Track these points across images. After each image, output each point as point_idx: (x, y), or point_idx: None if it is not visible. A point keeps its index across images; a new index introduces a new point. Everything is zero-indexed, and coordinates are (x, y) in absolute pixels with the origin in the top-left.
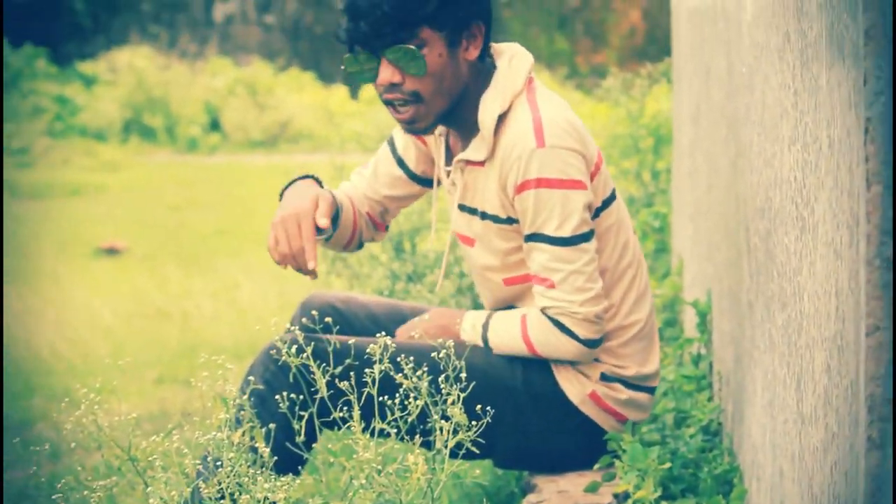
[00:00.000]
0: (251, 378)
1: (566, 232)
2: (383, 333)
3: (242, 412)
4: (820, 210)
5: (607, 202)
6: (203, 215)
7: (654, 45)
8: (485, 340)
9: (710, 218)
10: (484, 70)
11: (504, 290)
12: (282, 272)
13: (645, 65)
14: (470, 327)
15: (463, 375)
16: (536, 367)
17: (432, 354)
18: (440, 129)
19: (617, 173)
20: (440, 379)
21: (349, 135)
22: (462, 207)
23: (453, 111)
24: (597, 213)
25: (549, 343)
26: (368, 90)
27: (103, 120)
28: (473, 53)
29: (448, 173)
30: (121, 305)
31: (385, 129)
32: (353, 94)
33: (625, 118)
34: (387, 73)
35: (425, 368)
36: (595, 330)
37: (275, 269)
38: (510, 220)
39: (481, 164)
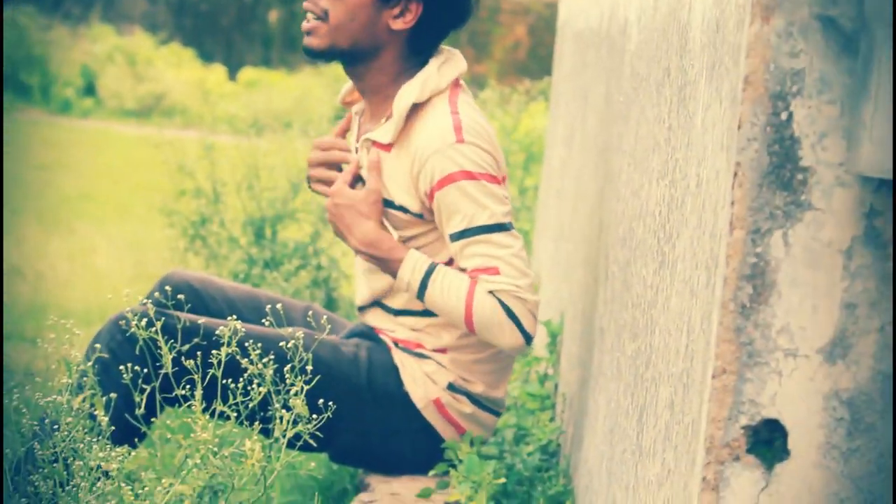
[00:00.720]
0: (97, 346)
1: (500, 218)
2: (235, 317)
3: (85, 378)
4: (681, 247)
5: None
6: (69, 178)
7: (536, 62)
8: (423, 285)
9: (572, 241)
10: (413, 61)
11: (383, 280)
12: (140, 243)
13: (524, 81)
14: (411, 267)
15: (309, 368)
16: (383, 367)
17: (280, 343)
18: (357, 106)
19: None
20: (286, 368)
21: (222, 115)
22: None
23: (362, 70)
24: None
25: (492, 323)
26: (246, 73)
27: None
28: (398, 24)
29: (356, 150)
30: None
31: (259, 114)
32: None
33: (499, 132)
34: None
35: (272, 356)
36: (533, 325)
37: (133, 240)
38: (408, 211)
39: (388, 147)
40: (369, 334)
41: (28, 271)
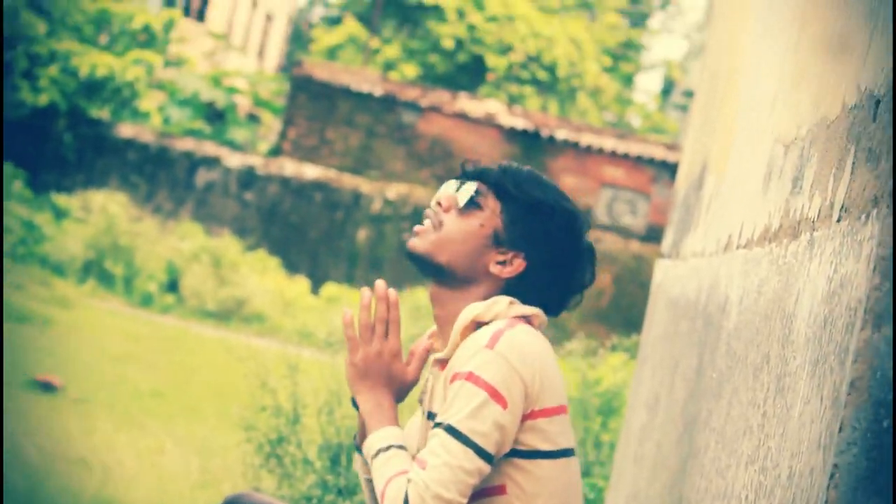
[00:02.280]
0: None
1: (463, 429)
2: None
3: None
4: None
5: (549, 454)
6: (143, 372)
7: (618, 311)
8: (377, 453)
9: None
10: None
11: None
12: (208, 448)
13: (609, 333)
14: (378, 439)
15: None
16: None
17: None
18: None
19: None
20: None
21: (301, 328)
22: (429, 415)
23: (445, 297)
24: (525, 454)
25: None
26: (329, 288)
27: (66, 255)
28: (497, 269)
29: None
30: (46, 444)
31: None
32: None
33: (580, 383)
34: (444, 194)
35: None
36: None
37: (202, 444)
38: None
39: (444, 364)
40: None
41: (95, 464)
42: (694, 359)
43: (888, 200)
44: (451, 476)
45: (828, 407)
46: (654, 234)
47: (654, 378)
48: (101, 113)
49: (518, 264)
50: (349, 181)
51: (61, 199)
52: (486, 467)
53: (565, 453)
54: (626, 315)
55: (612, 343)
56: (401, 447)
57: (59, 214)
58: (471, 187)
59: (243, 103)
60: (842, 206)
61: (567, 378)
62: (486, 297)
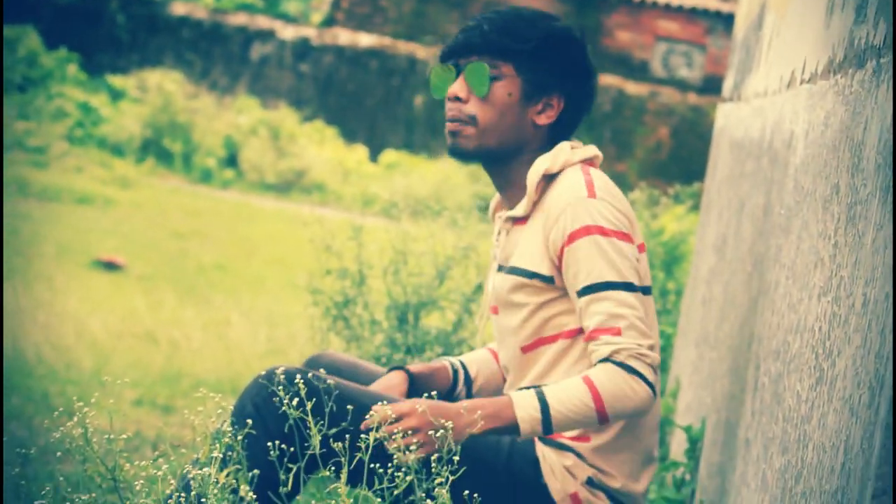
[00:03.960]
0: (249, 420)
1: (628, 277)
2: (385, 402)
3: (231, 453)
4: (841, 365)
5: (646, 290)
6: (205, 247)
7: (677, 164)
8: (544, 411)
9: (717, 349)
10: (548, 148)
11: (521, 358)
12: (273, 317)
13: (670, 184)
14: (522, 406)
15: (456, 458)
16: (524, 456)
17: (429, 432)
18: (492, 205)
19: None
20: (433, 458)
21: (362, 195)
22: (500, 268)
23: (504, 167)
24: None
25: (622, 392)
26: (388, 155)
27: (124, 135)
28: (543, 119)
29: (497, 235)
30: (111, 321)
31: (398, 197)
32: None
33: (643, 232)
34: (457, 86)
35: (416, 441)
36: (656, 379)
37: (267, 314)
38: (540, 277)
39: (524, 221)
40: None
41: (162, 338)
42: (761, 197)
43: None
44: (643, 325)
45: None
46: (710, 86)
47: (721, 221)
48: None
49: (558, 104)
50: (404, 47)
51: (117, 80)
52: (647, 299)
53: (649, 290)
54: (685, 167)
55: (674, 192)
56: (539, 387)
57: (116, 95)
58: (480, 69)
59: None
60: None
61: None
62: (539, 148)
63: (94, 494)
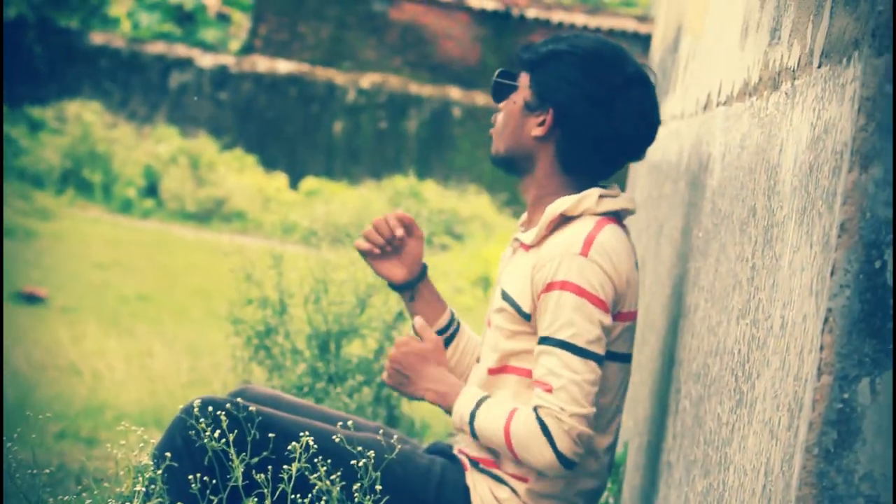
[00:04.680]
0: (167, 454)
1: (580, 341)
2: (306, 433)
3: (153, 486)
4: (761, 387)
5: (620, 357)
6: (127, 278)
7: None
8: (472, 415)
9: (640, 373)
10: (573, 180)
11: (486, 379)
12: (196, 348)
13: None
14: (464, 403)
15: (378, 487)
16: (454, 486)
17: (351, 462)
18: (522, 218)
19: None
20: (354, 487)
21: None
22: (498, 283)
23: (520, 180)
24: (608, 357)
25: (529, 443)
26: (308, 182)
27: (44, 166)
28: (537, 132)
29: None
30: (34, 354)
31: (319, 225)
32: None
33: None
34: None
35: (339, 473)
36: (573, 450)
37: (190, 344)
38: (520, 310)
39: (527, 248)
40: (446, 451)
41: (85, 370)
42: (679, 220)
43: (869, 41)
44: (580, 391)
45: (818, 252)
46: None
47: (640, 243)
48: (71, 22)
49: (549, 118)
50: (323, 74)
51: (35, 111)
52: (601, 371)
53: (629, 358)
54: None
55: None
56: (487, 397)
57: (34, 126)
58: (500, 78)
59: (212, 3)
60: (822, 52)
61: None
62: (548, 173)
63: None
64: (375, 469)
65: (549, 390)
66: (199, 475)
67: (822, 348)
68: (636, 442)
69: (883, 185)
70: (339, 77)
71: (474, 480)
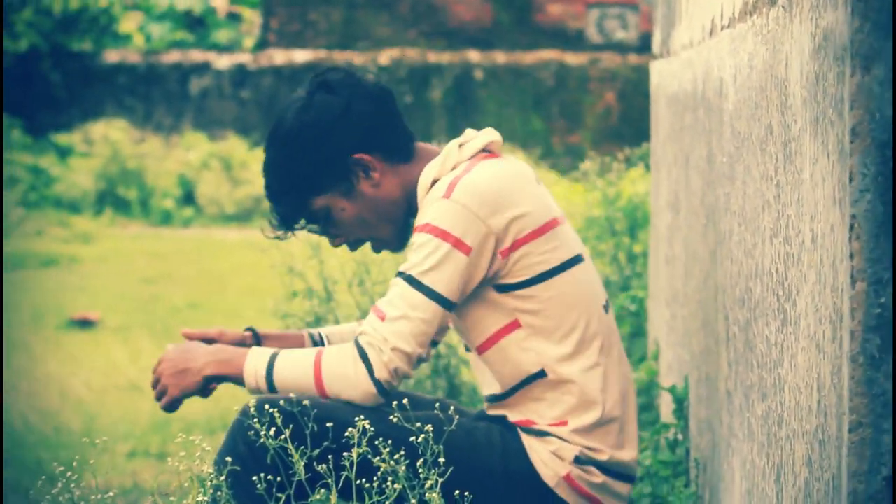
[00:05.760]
0: (228, 458)
1: (426, 280)
2: (361, 417)
3: (219, 493)
4: (802, 304)
5: (548, 274)
6: (176, 288)
7: (629, 126)
8: (269, 369)
9: (688, 305)
10: (420, 160)
11: (480, 361)
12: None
13: (623, 148)
14: (254, 362)
15: (441, 460)
16: (514, 450)
17: (410, 438)
18: None
19: (593, 255)
20: (419, 463)
21: None
22: None
23: (412, 208)
24: (519, 285)
25: (344, 377)
26: None
27: (77, 191)
28: (378, 178)
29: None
30: (93, 378)
31: None
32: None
33: (601, 201)
34: (328, 238)
35: (403, 452)
36: (387, 380)
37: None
38: None
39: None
40: (496, 417)
41: (146, 387)
42: (703, 148)
43: None
44: (411, 328)
45: (835, 161)
46: (648, 44)
47: (671, 177)
48: (83, 45)
49: (362, 158)
50: (340, 57)
51: (61, 138)
52: (446, 315)
53: (568, 264)
54: (637, 128)
55: (624, 156)
56: (279, 351)
57: (63, 153)
58: (317, 230)
59: (220, 4)
60: None
61: (589, 198)
62: (398, 181)
63: None
64: (436, 443)
65: (382, 318)
66: (263, 475)
67: (851, 256)
68: (695, 375)
69: (887, 85)
70: (357, 58)
71: (528, 442)
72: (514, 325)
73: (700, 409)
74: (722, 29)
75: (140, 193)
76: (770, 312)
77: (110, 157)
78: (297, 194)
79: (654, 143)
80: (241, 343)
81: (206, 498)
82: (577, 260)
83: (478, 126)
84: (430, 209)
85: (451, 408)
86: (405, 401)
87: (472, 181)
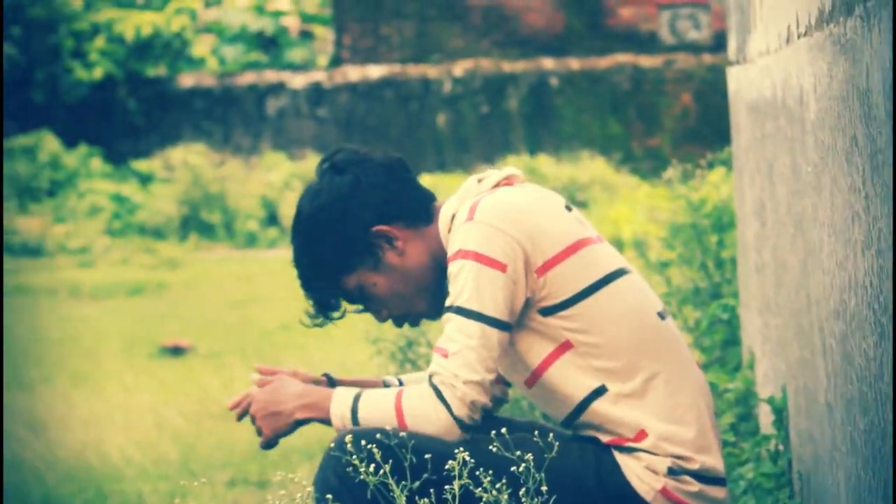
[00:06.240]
0: (328, 496)
1: (473, 305)
2: (461, 448)
3: None
4: None
5: (587, 291)
6: (266, 311)
7: (707, 126)
8: (353, 411)
9: (780, 315)
10: (425, 226)
11: (531, 393)
12: (346, 369)
13: (703, 149)
14: (339, 401)
15: (543, 488)
16: (608, 466)
17: (511, 468)
18: None
19: (680, 262)
20: (521, 492)
21: None
22: None
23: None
24: (562, 305)
25: (424, 415)
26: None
27: (161, 217)
28: (402, 246)
29: None
30: (188, 406)
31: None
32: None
33: (686, 208)
34: (372, 314)
35: (504, 481)
36: (468, 415)
37: (340, 366)
38: None
39: None
40: (588, 437)
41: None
42: (786, 157)
43: None
44: (475, 356)
45: None
46: (721, 43)
47: (755, 185)
48: (158, 70)
49: (381, 229)
50: (415, 70)
51: (142, 165)
52: (505, 336)
53: (609, 278)
54: (715, 128)
55: (706, 161)
56: (362, 391)
57: (144, 180)
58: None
59: (292, 24)
60: None
61: (672, 206)
62: (423, 248)
63: None
64: (538, 470)
65: (446, 355)
66: None
67: None
68: (792, 385)
69: None
70: (431, 71)
71: (621, 458)
72: (567, 346)
73: (800, 420)
74: (798, 37)
75: (223, 217)
76: (867, 326)
77: (191, 181)
78: (326, 277)
79: (735, 148)
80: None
81: None
82: (619, 273)
83: (557, 134)
84: (457, 237)
85: (550, 434)
86: (503, 430)
87: (493, 201)
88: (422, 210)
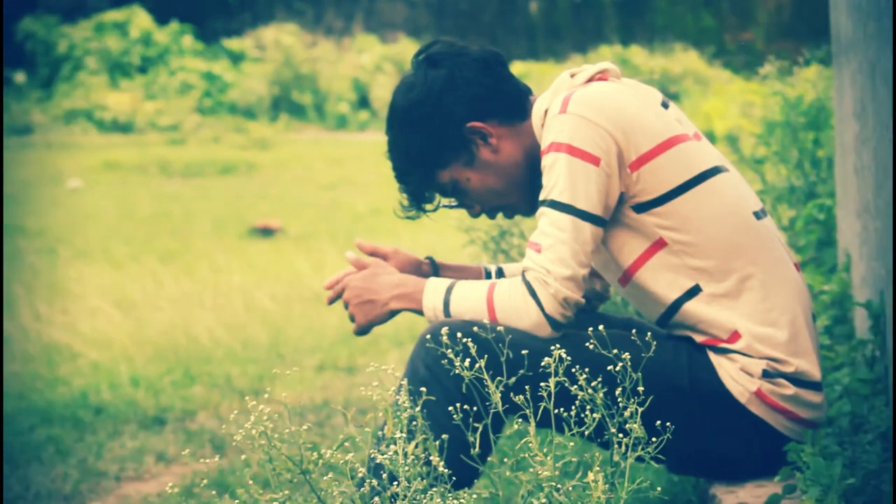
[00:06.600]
0: (423, 389)
1: (565, 198)
2: (557, 346)
3: (414, 423)
4: None
5: (682, 188)
6: (356, 194)
7: (801, 22)
8: (446, 302)
9: (880, 218)
10: (520, 122)
11: (625, 291)
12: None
13: (797, 45)
14: (432, 290)
15: (640, 388)
16: (702, 367)
17: (608, 367)
18: None
19: (776, 161)
20: (617, 392)
21: None
22: None
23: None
24: (656, 202)
25: (514, 310)
26: (515, 67)
27: (252, 97)
28: (496, 143)
29: None
30: (278, 289)
31: None
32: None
33: (783, 106)
34: (465, 209)
35: (600, 380)
36: (560, 312)
37: (431, 251)
38: None
39: None
40: (683, 336)
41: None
42: (889, 59)
43: None
44: (568, 250)
45: None
46: None
47: (855, 86)
48: None
49: (474, 126)
50: None
51: (233, 44)
52: (598, 230)
53: (705, 175)
54: (810, 23)
55: (803, 58)
56: (455, 282)
57: (235, 59)
58: (451, 205)
59: None
60: None
61: (768, 101)
62: (519, 143)
63: (286, 492)
64: (634, 370)
65: (539, 250)
66: (458, 405)
67: None
68: (891, 290)
69: None
70: None
71: (716, 360)
72: (660, 244)
73: None
74: None
75: (314, 98)
76: None
77: (283, 61)
78: (421, 171)
79: (834, 47)
80: (418, 269)
81: (402, 434)
82: (715, 171)
83: (650, 25)
84: (550, 130)
85: (648, 333)
86: (601, 327)
87: (586, 93)
88: (517, 106)
